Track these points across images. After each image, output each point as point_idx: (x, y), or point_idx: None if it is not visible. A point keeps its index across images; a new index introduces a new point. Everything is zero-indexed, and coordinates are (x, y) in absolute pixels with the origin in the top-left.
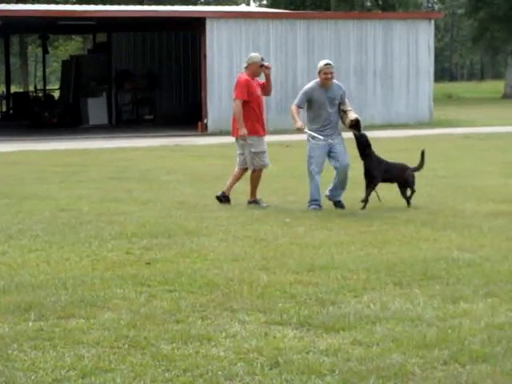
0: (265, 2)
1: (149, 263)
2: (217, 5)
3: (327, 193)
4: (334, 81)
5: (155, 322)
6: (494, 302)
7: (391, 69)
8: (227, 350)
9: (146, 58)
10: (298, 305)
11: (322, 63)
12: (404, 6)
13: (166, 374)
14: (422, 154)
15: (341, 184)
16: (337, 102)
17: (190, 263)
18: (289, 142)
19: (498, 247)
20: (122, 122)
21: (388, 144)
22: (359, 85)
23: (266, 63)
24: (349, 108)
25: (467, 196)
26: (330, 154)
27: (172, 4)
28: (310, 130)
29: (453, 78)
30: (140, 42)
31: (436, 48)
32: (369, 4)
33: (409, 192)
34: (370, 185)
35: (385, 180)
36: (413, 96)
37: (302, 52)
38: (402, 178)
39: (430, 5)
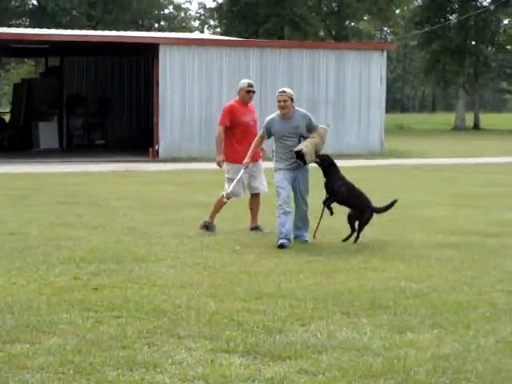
0: (218, 30)
1: (96, 289)
2: (171, 31)
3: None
4: (299, 109)
5: (101, 347)
6: (440, 332)
7: (343, 99)
8: (173, 377)
9: (98, 83)
10: (245, 332)
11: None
12: (357, 37)
13: None
14: (394, 202)
15: (302, 222)
16: (301, 131)
17: (138, 289)
18: None
19: (445, 278)
20: (74, 146)
21: None
22: (311, 114)
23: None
24: (311, 136)
25: (416, 227)
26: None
27: (126, 29)
28: (275, 160)
29: (404, 109)
30: (93, 67)
31: (388, 79)
32: (322, 34)
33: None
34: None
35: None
36: (364, 126)
37: (254, 80)
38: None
39: (382, 36)
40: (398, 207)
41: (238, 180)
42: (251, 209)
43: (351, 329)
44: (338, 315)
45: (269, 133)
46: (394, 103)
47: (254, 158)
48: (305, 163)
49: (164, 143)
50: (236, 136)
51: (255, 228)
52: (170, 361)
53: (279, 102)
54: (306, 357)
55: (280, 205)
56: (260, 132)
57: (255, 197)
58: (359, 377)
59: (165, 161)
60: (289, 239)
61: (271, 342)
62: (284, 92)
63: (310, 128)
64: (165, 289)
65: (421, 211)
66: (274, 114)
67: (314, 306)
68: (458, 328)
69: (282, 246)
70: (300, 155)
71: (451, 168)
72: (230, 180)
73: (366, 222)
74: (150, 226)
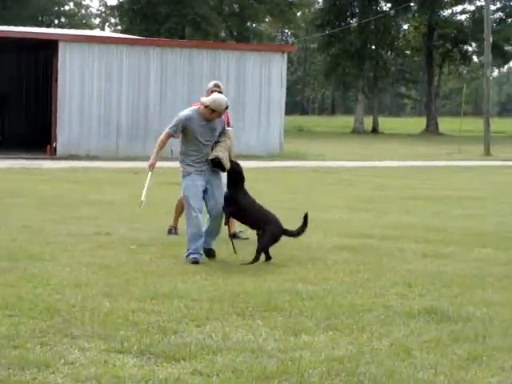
0: (119, 28)
1: None
2: (71, 28)
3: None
4: None
5: None
6: (335, 334)
7: (243, 100)
8: (65, 377)
9: None
10: (140, 333)
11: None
12: (258, 38)
13: None
14: (305, 217)
15: (214, 229)
16: (217, 133)
17: (32, 288)
18: (138, 169)
19: (341, 280)
20: None
21: None
22: None
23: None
24: (222, 139)
25: (313, 229)
26: (204, 192)
27: (25, 25)
28: (184, 163)
29: (304, 111)
30: None
31: (288, 81)
32: (223, 34)
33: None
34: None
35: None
36: (264, 128)
37: (154, 79)
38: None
39: (283, 38)
40: (295, 209)
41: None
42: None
43: (246, 330)
44: (233, 316)
45: (183, 130)
46: (294, 105)
47: None
48: (224, 170)
49: (62, 140)
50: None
51: (234, 235)
52: (62, 361)
53: (219, 116)
54: (200, 358)
55: (190, 214)
56: (168, 129)
57: None
58: (253, 378)
59: (63, 158)
60: (201, 254)
61: (166, 342)
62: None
63: (224, 131)
64: (59, 288)
65: (318, 214)
66: (190, 110)
67: (209, 307)
68: (352, 330)
69: (195, 263)
70: (216, 162)
71: (349, 171)
72: None
73: (268, 242)
74: (45, 224)
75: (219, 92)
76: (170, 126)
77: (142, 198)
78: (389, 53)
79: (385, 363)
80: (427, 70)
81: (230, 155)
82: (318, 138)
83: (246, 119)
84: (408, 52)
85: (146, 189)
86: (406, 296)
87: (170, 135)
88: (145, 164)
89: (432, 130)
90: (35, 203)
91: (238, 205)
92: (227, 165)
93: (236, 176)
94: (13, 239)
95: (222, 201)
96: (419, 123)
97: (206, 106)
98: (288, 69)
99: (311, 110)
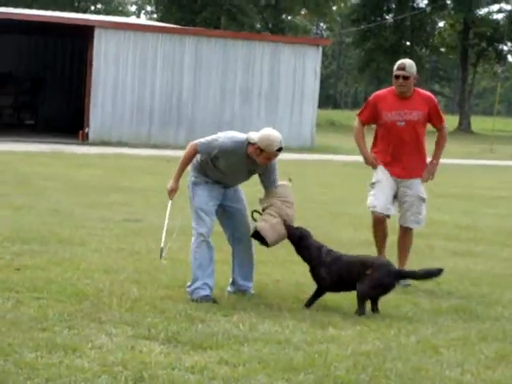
0: (155, 16)
1: (18, 269)
2: (107, 14)
3: (229, 288)
4: None
5: (21, 328)
6: (363, 329)
7: (277, 91)
8: (92, 362)
9: (30, 62)
10: (167, 320)
11: (265, 143)
12: (293, 31)
13: (28, 382)
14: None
15: (241, 265)
16: (252, 174)
17: (61, 272)
18: (170, 157)
19: None
20: (2, 124)
21: None
22: (244, 105)
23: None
24: (268, 200)
25: (344, 223)
26: (223, 212)
27: (61, 10)
28: (195, 174)
29: (337, 105)
30: (25, 46)
31: (322, 74)
32: (259, 26)
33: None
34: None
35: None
36: (296, 120)
37: (188, 68)
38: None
39: (318, 31)
40: (327, 203)
41: (375, 185)
42: (398, 247)
43: (273, 321)
44: (261, 307)
45: (212, 158)
46: (327, 99)
47: (410, 174)
48: (266, 245)
49: (94, 126)
50: (385, 135)
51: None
52: (89, 345)
53: (267, 159)
54: (227, 347)
55: (200, 234)
56: (197, 144)
57: (404, 232)
58: (279, 370)
59: (94, 144)
60: (211, 287)
61: (193, 330)
62: (279, 150)
63: (266, 176)
64: (88, 272)
65: (349, 207)
66: (231, 138)
67: (237, 297)
68: (380, 326)
69: (204, 299)
70: (258, 233)
71: None
72: (370, 186)
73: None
74: (75, 209)
75: (403, 77)
76: (203, 140)
77: (162, 245)
78: (423, 50)
79: (411, 359)
80: (461, 68)
81: (285, 221)
82: (350, 132)
83: (279, 111)
84: (443, 49)
85: (165, 228)
86: (435, 294)
87: (196, 151)
88: (177, 153)
89: (464, 128)
90: (66, 187)
91: (322, 282)
92: (271, 237)
93: (297, 238)
94: (43, 222)
95: (245, 225)
96: (452, 121)
97: (253, 144)
98: (322, 62)
99: (344, 104)
